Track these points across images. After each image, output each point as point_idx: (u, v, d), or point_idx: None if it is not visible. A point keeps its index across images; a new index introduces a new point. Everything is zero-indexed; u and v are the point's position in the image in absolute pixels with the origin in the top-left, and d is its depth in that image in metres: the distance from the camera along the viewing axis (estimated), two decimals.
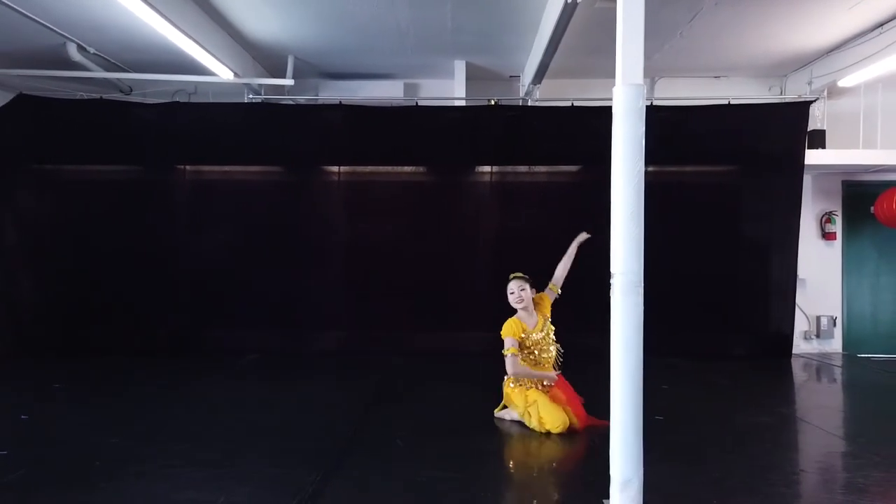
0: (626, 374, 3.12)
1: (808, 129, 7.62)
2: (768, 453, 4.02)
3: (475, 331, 7.59)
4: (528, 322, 4.73)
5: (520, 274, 4.86)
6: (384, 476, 3.55)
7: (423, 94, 8.44)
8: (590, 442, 4.23)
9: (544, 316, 4.82)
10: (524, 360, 4.68)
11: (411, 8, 6.22)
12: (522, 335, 4.68)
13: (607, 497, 3.13)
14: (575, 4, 4.98)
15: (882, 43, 6.42)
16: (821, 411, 5.38)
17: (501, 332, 4.72)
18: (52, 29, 6.49)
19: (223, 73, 6.91)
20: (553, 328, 4.85)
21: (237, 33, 6.90)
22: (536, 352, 4.70)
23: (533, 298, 4.80)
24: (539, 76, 7.17)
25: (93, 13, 6.13)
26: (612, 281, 3.24)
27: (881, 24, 6.44)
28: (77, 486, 3.34)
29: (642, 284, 3.17)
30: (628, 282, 3.15)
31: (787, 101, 7.72)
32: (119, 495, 3.24)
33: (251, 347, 7.53)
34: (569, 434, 4.35)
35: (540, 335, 4.72)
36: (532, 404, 4.48)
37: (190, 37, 5.90)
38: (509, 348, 4.63)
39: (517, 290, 4.74)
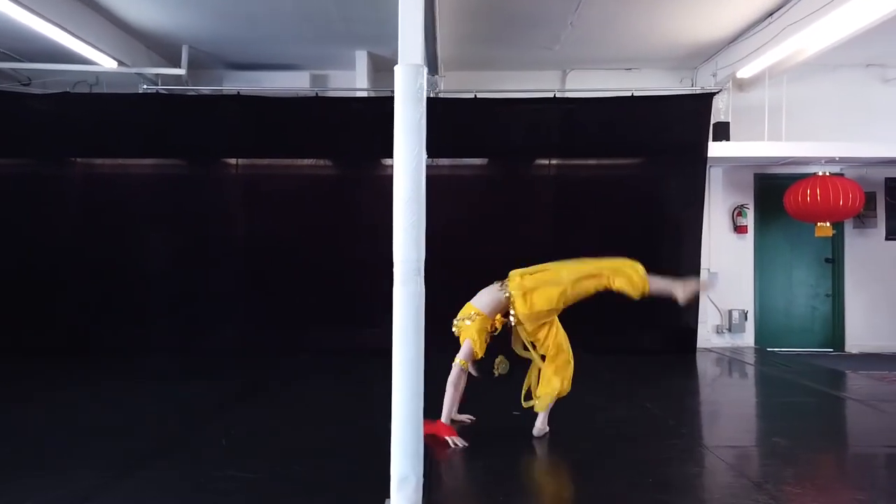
0: (406, 367, 2.98)
1: (713, 122, 7.55)
2: (602, 451, 3.90)
3: (376, 327, 7.45)
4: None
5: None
6: (178, 477, 3.41)
7: (331, 85, 8.28)
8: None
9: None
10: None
11: None
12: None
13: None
14: None
15: (771, 33, 6.36)
16: (687, 406, 5.30)
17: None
18: None
19: (105, 62, 6.71)
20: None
21: (120, 21, 6.70)
22: None
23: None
24: (433, 66, 7.03)
25: None
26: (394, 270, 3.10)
27: (770, 14, 6.38)
28: None
29: (422, 273, 3.03)
30: (408, 270, 3.01)
31: (689, 92, 7.65)
32: None
33: (147, 345, 7.31)
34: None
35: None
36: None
37: (52, 21, 5.69)
38: None
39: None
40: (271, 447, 3.92)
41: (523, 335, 4.16)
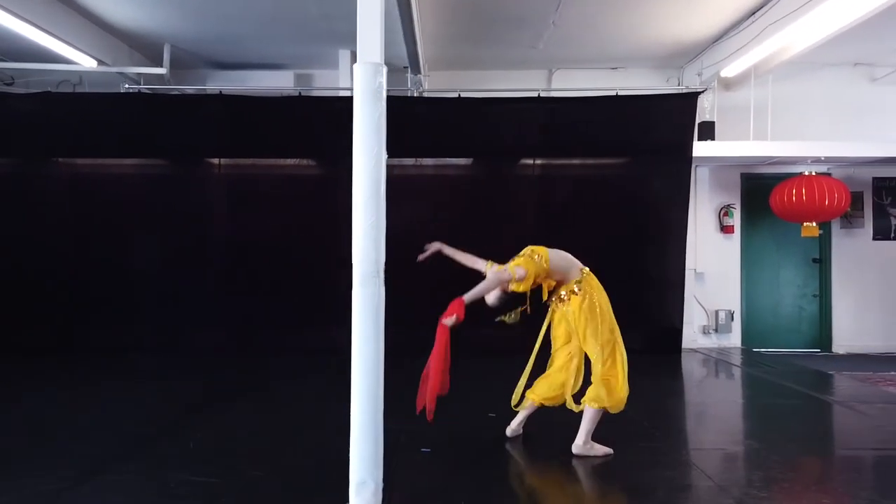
0: (365, 369, 2.94)
1: (699, 121, 7.51)
2: (570, 453, 3.85)
3: None
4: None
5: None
6: (143, 480, 3.38)
7: (315, 84, 8.24)
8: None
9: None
10: None
11: None
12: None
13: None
14: None
15: (754, 31, 6.31)
16: (666, 407, 5.26)
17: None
18: None
19: (84, 62, 6.66)
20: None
21: (99, 20, 6.65)
22: None
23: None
24: (415, 66, 6.99)
25: None
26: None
27: (753, 13, 6.34)
28: None
29: (382, 274, 2.99)
30: (367, 272, 2.97)
31: (674, 91, 7.60)
32: None
33: (130, 346, 7.27)
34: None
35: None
36: None
37: (27, 20, 5.65)
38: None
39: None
40: (237, 449, 3.89)
41: (555, 316, 3.97)
